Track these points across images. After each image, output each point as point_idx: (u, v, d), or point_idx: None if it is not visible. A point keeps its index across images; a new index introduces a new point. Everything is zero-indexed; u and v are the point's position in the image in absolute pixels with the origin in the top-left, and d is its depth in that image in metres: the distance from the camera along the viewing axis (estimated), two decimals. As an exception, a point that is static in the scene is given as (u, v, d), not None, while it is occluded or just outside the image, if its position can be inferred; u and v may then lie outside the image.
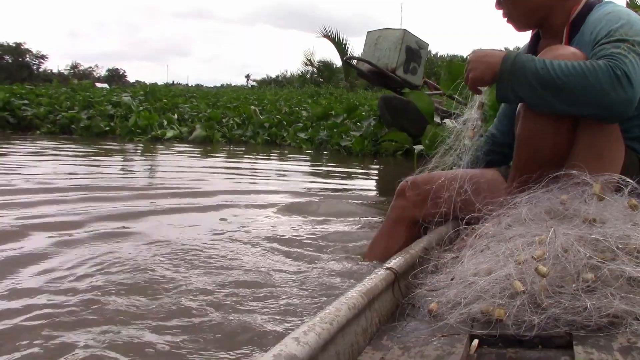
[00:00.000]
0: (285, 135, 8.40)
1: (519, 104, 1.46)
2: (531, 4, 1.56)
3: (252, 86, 32.97)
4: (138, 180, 4.21)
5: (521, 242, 1.09)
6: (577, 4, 1.55)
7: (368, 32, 7.28)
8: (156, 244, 2.17)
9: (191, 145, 7.82)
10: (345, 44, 18.63)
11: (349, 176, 5.05)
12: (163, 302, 1.55)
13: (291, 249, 2.18)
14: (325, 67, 25.19)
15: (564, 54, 1.35)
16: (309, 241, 2.33)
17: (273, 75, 43.33)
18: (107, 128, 8.83)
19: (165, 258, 1.98)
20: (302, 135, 8.13)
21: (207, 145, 7.96)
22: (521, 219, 1.17)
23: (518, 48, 1.93)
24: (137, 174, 4.78)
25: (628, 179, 1.16)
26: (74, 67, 64.69)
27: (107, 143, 7.79)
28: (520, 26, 1.63)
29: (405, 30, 6.92)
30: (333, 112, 8.78)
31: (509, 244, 1.10)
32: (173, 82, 46.13)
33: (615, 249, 1.02)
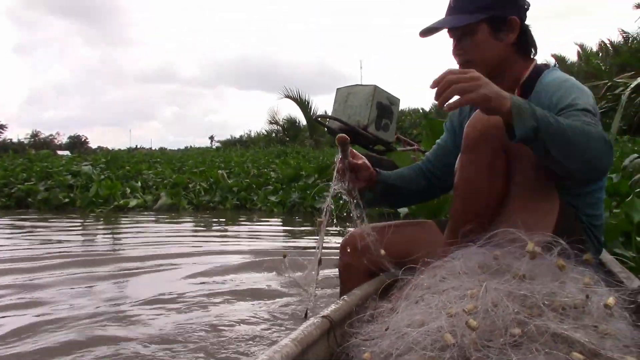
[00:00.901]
0: (255, 199, 8.48)
1: (457, 158, 1.57)
2: (496, 56, 1.67)
3: (217, 147, 33.39)
4: (98, 248, 4.23)
5: (454, 295, 1.19)
6: (526, 68, 1.70)
7: (338, 89, 7.48)
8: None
9: (156, 214, 7.84)
10: (308, 102, 19.28)
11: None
12: None
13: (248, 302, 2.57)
14: (290, 126, 25.75)
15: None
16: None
17: (237, 136, 44.13)
18: (67, 199, 8.77)
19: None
20: (272, 198, 8.20)
21: (172, 212, 7.98)
22: (455, 272, 1.27)
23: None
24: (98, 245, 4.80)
25: (560, 240, 1.26)
26: (35, 135, 65.04)
27: (65, 216, 7.77)
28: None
29: (375, 86, 7.11)
30: (303, 172, 8.92)
31: (443, 297, 1.19)
32: (136, 146, 46.45)
33: (542, 305, 1.12)
